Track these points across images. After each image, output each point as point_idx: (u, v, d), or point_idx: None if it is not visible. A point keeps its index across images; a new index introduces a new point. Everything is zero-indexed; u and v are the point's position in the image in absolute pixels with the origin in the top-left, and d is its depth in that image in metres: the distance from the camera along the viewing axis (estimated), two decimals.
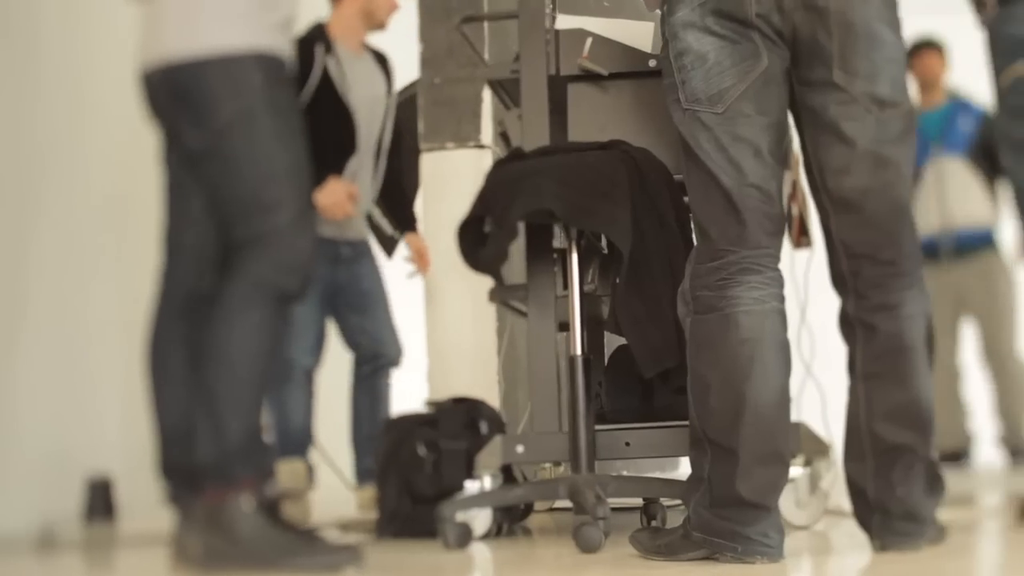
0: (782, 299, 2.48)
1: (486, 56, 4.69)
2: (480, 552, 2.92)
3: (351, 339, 4.60)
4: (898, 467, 2.47)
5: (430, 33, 4.90)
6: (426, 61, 4.88)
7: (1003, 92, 3.05)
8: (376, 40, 4.69)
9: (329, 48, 4.43)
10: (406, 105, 5.04)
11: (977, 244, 6.25)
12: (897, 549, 2.47)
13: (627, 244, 2.87)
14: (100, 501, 4.54)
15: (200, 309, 2.74)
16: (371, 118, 4.54)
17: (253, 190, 2.63)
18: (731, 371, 2.41)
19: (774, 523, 2.41)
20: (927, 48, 6.49)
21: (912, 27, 6.82)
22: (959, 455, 6.42)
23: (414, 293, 5.13)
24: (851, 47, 2.46)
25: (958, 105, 6.47)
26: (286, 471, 4.26)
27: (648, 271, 2.91)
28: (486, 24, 4.75)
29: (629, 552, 2.63)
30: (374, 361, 4.58)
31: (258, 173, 2.64)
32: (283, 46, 2.72)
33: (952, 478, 5.72)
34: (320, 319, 4.49)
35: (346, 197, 4.34)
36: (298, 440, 4.40)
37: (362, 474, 4.56)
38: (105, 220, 5.17)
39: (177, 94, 2.67)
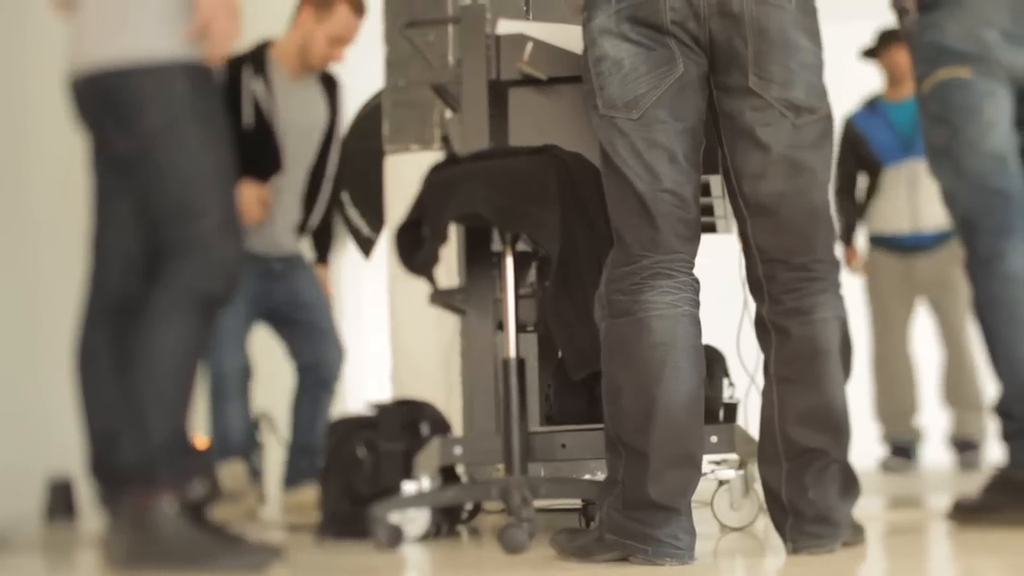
0: (696, 304, 2.50)
1: (450, 60, 4.73)
2: (412, 553, 2.95)
3: (293, 353, 4.72)
4: (810, 470, 2.49)
5: (395, 36, 4.93)
6: (391, 64, 4.90)
7: (924, 99, 3.07)
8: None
9: (260, 69, 4.52)
10: (376, 112, 5.11)
11: (942, 240, 6.27)
12: (809, 551, 2.49)
13: (555, 247, 2.90)
14: (61, 501, 4.58)
15: (127, 313, 2.76)
16: (303, 142, 4.64)
17: (179, 196, 2.66)
18: (643, 375, 2.44)
19: (684, 525, 2.43)
20: (896, 42, 6.45)
21: (884, 21, 6.83)
22: (909, 450, 6.43)
23: (378, 294, 5.18)
24: (766, 53, 2.48)
25: None
26: (226, 473, 4.33)
27: (577, 274, 2.93)
28: (450, 28, 4.78)
29: (552, 554, 2.66)
30: (315, 373, 4.68)
31: (184, 179, 2.67)
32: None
33: (899, 480, 5.75)
34: (246, 325, 4.60)
35: (256, 201, 4.43)
36: (237, 442, 4.49)
37: (291, 478, 4.66)
38: (60, 220, 5.20)
39: (104, 100, 2.70)
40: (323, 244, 5.12)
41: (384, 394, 4.85)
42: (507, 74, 3.29)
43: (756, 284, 2.57)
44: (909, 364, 6.47)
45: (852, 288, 6.63)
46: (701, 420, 2.48)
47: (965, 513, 2.99)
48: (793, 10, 2.49)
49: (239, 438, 4.49)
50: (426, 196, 3.08)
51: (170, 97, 2.67)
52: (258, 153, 4.55)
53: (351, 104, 7.07)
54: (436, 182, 3.06)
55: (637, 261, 2.48)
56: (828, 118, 2.55)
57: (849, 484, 2.55)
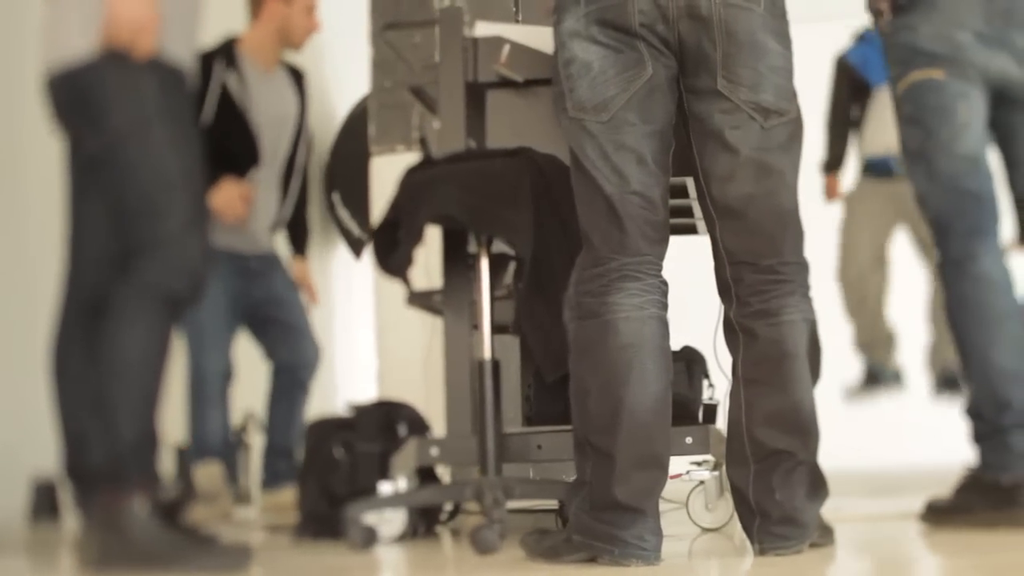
0: (663, 306, 2.51)
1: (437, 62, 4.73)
2: (386, 553, 2.96)
3: (269, 352, 4.73)
4: (778, 472, 2.50)
5: (387, 36, 4.94)
6: (376, 66, 4.92)
7: (898, 101, 3.08)
8: (328, 45, 4.76)
9: (232, 63, 4.53)
10: (366, 114, 5.13)
11: None
12: (776, 552, 2.49)
13: (528, 249, 2.91)
14: (45, 502, 4.59)
15: (102, 313, 2.78)
16: (277, 135, 4.66)
17: (145, 196, 2.67)
18: (610, 376, 2.45)
19: (650, 527, 2.43)
20: None
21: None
22: (881, 376, 6.38)
23: (363, 295, 5.19)
24: (734, 56, 2.49)
25: None
26: (202, 474, 4.34)
27: (551, 276, 2.94)
28: (437, 29, 4.79)
29: (523, 554, 2.66)
30: (291, 373, 4.69)
31: (150, 179, 2.68)
32: (182, 55, 2.76)
33: (888, 479, 5.75)
34: (229, 326, 4.60)
35: (238, 198, 4.43)
36: (214, 443, 4.50)
37: (269, 479, 4.68)
38: (50, 215, 5.21)
39: (75, 99, 2.72)
40: (299, 237, 5.11)
41: (370, 394, 4.87)
42: (485, 76, 3.30)
43: (724, 286, 2.57)
44: (880, 286, 6.39)
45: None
46: (668, 422, 2.48)
47: (937, 514, 3.00)
48: (762, 13, 2.50)
49: (217, 440, 4.50)
50: (401, 198, 3.09)
51: (139, 97, 2.68)
52: (234, 147, 4.55)
53: (339, 106, 7.11)
54: (411, 184, 3.08)
55: (605, 263, 2.49)
56: (797, 120, 2.56)
57: (817, 485, 2.55)
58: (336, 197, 6.63)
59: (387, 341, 4.96)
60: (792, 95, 2.55)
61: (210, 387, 4.50)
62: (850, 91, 6.47)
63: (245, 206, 4.50)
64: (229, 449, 4.65)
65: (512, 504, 3.49)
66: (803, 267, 2.56)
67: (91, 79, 2.68)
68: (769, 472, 2.50)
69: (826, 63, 6.73)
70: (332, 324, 7.01)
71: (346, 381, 6.95)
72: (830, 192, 6.58)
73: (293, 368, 4.70)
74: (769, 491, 2.50)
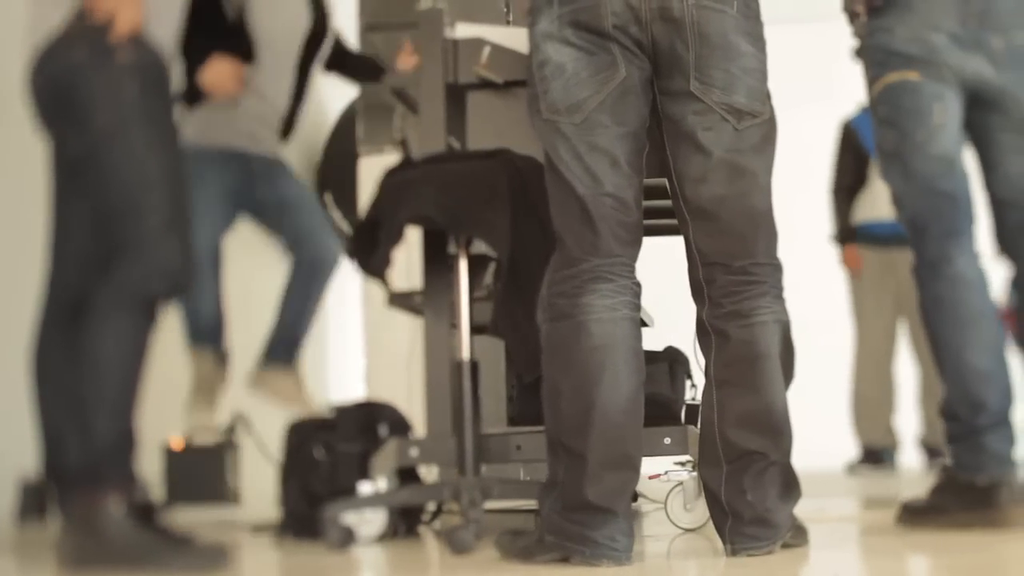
0: (636, 307, 2.52)
1: None
2: (363, 553, 2.97)
3: (287, 244, 4.50)
4: (749, 472, 2.51)
5: (369, 37, 4.96)
6: None
7: (873, 102, 3.09)
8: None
9: None
10: (355, 116, 5.12)
11: None
12: (747, 553, 2.50)
13: (505, 250, 2.92)
14: (33, 502, 4.59)
15: (82, 315, 2.79)
16: (281, 37, 4.49)
17: (124, 197, 2.69)
18: (582, 378, 2.45)
19: (622, 527, 2.44)
20: None
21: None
22: (882, 455, 6.47)
23: (351, 294, 5.19)
24: (707, 58, 2.49)
25: None
26: (195, 360, 4.26)
27: (528, 277, 2.95)
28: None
29: (497, 555, 2.67)
30: (311, 265, 4.46)
31: (132, 180, 2.69)
32: (164, 37, 2.77)
33: (875, 480, 5.76)
34: (224, 213, 4.48)
35: (230, 76, 4.31)
36: (208, 327, 4.38)
37: (265, 359, 4.49)
38: (34, 216, 5.21)
39: (59, 100, 2.73)
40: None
41: (359, 393, 4.87)
42: (465, 78, 3.31)
43: (697, 287, 2.58)
44: (888, 371, 6.48)
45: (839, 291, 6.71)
46: (640, 423, 2.49)
47: (913, 515, 3.01)
48: (734, 15, 2.51)
49: (209, 323, 4.37)
50: (381, 199, 3.11)
51: (120, 98, 2.69)
52: (231, 43, 4.42)
53: (334, 107, 7.10)
54: (390, 185, 3.09)
55: (577, 264, 2.50)
56: (770, 122, 2.56)
57: (790, 486, 2.56)
58: (328, 198, 6.63)
59: (375, 341, 4.97)
60: (765, 97, 2.56)
61: (201, 265, 4.28)
62: (854, 158, 6.55)
63: (237, 84, 4.35)
64: (222, 333, 4.48)
65: (499, 504, 3.52)
66: (776, 268, 2.57)
67: (74, 80, 2.70)
68: (741, 473, 2.51)
69: (825, 63, 6.76)
70: (326, 324, 7.02)
71: (338, 381, 6.96)
72: (851, 262, 6.60)
73: (312, 264, 4.49)
74: (741, 492, 2.51)
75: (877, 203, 6.43)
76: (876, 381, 6.48)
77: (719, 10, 2.48)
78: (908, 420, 6.71)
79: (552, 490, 2.51)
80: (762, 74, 2.56)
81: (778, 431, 2.52)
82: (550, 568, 2.45)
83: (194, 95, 4.26)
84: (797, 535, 2.64)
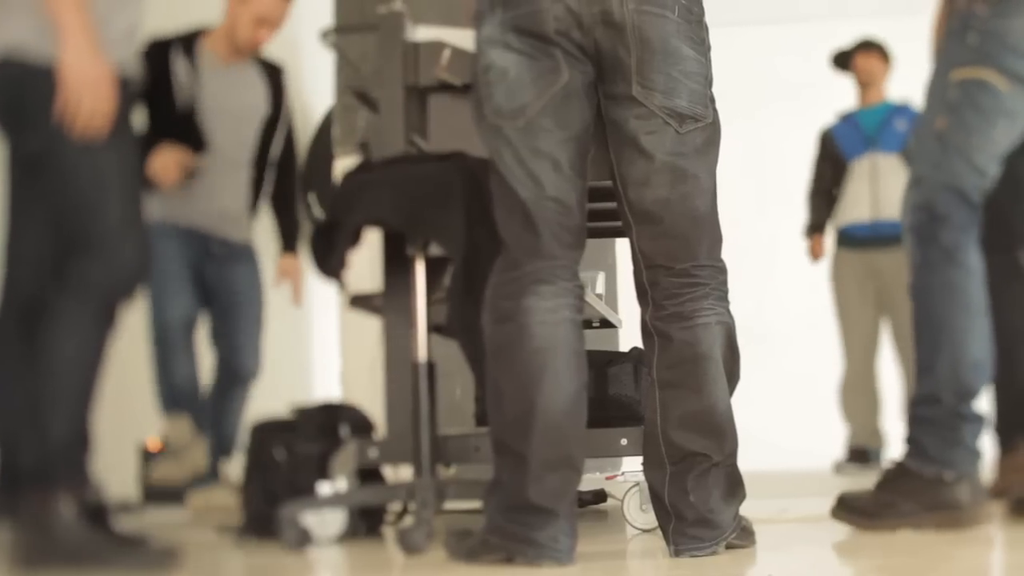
0: (577, 309, 2.53)
1: None
2: (319, 554, 2.99)
3: (213, 341, 4.70)
4: (692, 474, 2.53)
5: (346, 39, 4.97)
6: (340, 68, 4.94)
7: (948, 84, 3.05)
8: (307, 45, 4.81)
9: (188, 51, 4.57)
10: None
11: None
12: (690, 554, 2.52)
13: (459, 252, 2.94)
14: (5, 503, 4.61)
15: (39, 315, 2.81)
16: (237, 126, 4.66)
17: (82, 196, 2.71)
18: (523, 379, 2.47)
19: (564, 528, 2.46)
20: (866, 49, 6.66)
21: (857, 30, 6.93)
22: (868, 454, 6.51)
23: (328, 295, 5.21)
24: (648, 62, 2.51)
25: (896, 107, 6.61)
26: (171, 428, 4.32)
27: (482, 278, 2.95)
28: None
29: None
30: (228, 371, 4.67)
31: (88, 180, 2.71)
32: (124, 55, 2.80)
33: (860, 479, 5.76)
34: (192, 280, 4.59)
35: (174, 164, 4.44)
36: (182, 395, 4.46)
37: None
38: None
39: (15, 99, 2.75)
40: (287, 233, 5.11)
41: (334, 394, 4.89)
42: (426, 80, 3.33)
43: (641, 290, 2.60)
44: (871, 370, 6.52)
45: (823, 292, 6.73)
46: (582, 424, 2.51)
47: (852, 511, 3.00)
48: (676, 19, 2.52)
49: (184, 392, 4.45)
50: (338, 201, 3.12)
51: None
52: (182, 133, 4.58)
53: (319, 108, 7.12)
54: (347, 187, 3.11)
55: (519, 267, 2.52)
56: (713, 125, 2.58)
57: (734, 487, 2.58)
58: (312, 198, 6.65)
59: (351, 343, 4.98)
60: (708, 100, 2.57)
61: (173, 335, 4.42)
62: (830, 165, 6.68)
63: (180, 172, 4.48)
64: (198, 401, 4.58)
65: (471, 505, 3.53)
66: (719, 270, 2.59)
67: (33, 80, 2.71)
68: (684, 474, 2.53)
69: (826, 62, 6.81)
70: (310, 324, 7.04)
71: (321, 383, 6.98)
72: (815, 252, 6.73)
73: (228, 369, 4.69)
74: (684, 493, 2.52)
75: (855, 206, 6.51)
76: (861, 381, 6.52)
77: (659, 15, 2.50)
78: (894, 419, 6.73)
79: (496, 491, 2.53)
80: (704, 78, 2.57)
81: (721, 432, 2.54)
82: (498, 569, 2.47)
83: (144, 182, 4.39)
84: (743, 536, 2.65)
